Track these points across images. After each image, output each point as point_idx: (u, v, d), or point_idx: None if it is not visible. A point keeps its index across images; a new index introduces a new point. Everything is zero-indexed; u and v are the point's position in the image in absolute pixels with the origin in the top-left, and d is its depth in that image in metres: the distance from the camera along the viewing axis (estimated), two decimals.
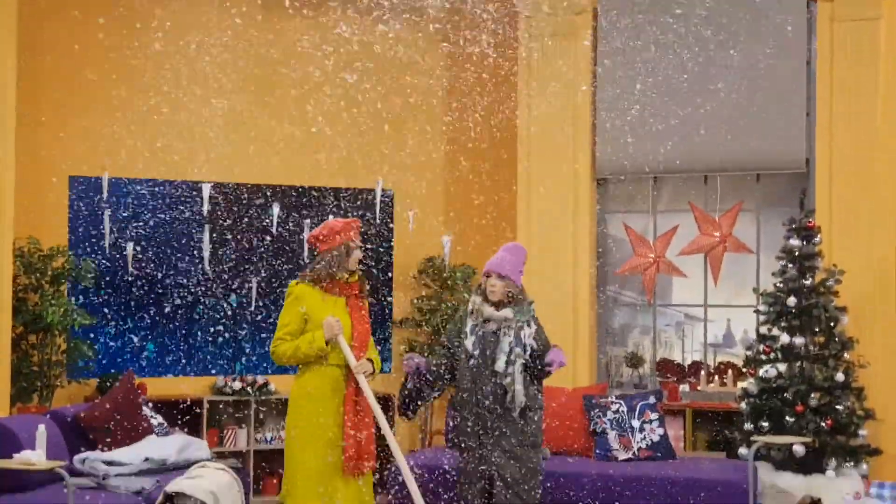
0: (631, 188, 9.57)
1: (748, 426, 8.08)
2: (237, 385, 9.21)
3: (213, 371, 9.46)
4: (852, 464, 7.90)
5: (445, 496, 7.16)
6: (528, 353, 6.22)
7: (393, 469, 7.17)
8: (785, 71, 8.87)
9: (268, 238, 9.63)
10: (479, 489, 6.20)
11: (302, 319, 5.82)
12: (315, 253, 5.97)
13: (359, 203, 9.87)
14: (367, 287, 6.13)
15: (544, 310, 9.16)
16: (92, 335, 8.99)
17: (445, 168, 10.14)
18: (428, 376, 6.28)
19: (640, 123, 9.14)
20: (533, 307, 6.41)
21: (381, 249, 9.98)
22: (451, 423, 6.44)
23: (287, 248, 9.65)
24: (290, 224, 9.67)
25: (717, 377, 9.13)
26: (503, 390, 6.18)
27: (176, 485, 5.43)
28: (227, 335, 9.51)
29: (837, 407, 7.87)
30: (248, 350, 9.55)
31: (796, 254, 8.15)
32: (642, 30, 9.06)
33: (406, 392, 6.36)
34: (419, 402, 6.40)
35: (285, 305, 5.92)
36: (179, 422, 8.66)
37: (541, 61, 9.35)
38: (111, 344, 9.18)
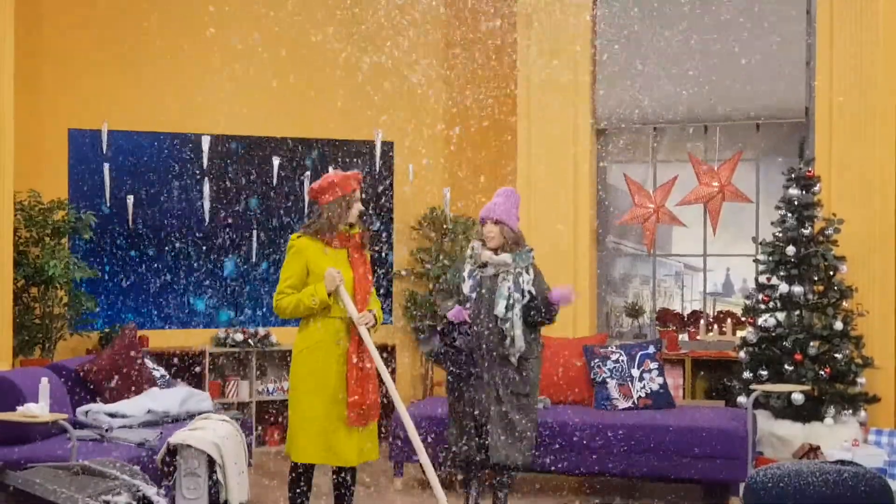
0: (630, 139, 9.54)
1: (747, 375, 8.13)
2: (239, 337, 9.23)
3: (215, 323, 9.49)
4: (850, 412, 7.95)
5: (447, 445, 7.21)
6: (527, 299, 6.24)
7: (395, 419, 7.21)
8: (785, 20, 8.82)
9: (268, 191, 9.61)
10: (470, 434, 6.24)
11: (304, 272, 5.82)
12: (316, 206, 5.97)
13: (359, 155, 9.85)
14: (369, 239, 6.12)
15: (545, 260, 9.18)
16: (93, 288, 9.01)
17: (445, 119, 10.11)
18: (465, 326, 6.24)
19: (639, 74, 9.11)
20: (532, 254, 6.41)
21: (382, 201, 9.97)
22: (446, 368, 6.44)
23: (287, 200, 9.64)
24: (291, 177, 9.65)
25: (716, 326, 9.16)
26: (501, 335, 6.21)
27: (179, 437, 5.47)
28: (228, 288, 9.53)
29: (836, 355, 7.91)
30: (249, 302, 9.57)
31: (795, 203, 8.15)
32: None
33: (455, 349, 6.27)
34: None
35: (287, 258, 5.91)
36: (182, 374, 8.71)
37: (541, 12, 9.28)
38: (112, 297, 9.20)
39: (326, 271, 5.73)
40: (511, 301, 6.22)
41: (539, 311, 6.28)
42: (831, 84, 8.67)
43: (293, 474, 5.92)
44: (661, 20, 8.99)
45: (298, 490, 5.91)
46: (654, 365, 7.89)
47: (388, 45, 9.46)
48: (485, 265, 6.30)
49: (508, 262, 6.27)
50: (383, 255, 9.94)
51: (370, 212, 9.70)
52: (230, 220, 9.51)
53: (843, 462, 6.55)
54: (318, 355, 5.78)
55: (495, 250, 6.31)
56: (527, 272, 6.31)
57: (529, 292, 6.28)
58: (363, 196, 6.07)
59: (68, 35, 9.05)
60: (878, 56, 8.59)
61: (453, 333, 6.21)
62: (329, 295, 5.73)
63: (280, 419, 9.11)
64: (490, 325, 6.20)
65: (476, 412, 6.23)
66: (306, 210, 9.40)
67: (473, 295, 6.24)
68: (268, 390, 9.42)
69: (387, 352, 9.41)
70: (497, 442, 6.19)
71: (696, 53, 9.01)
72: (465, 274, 6.33)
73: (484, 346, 6.20)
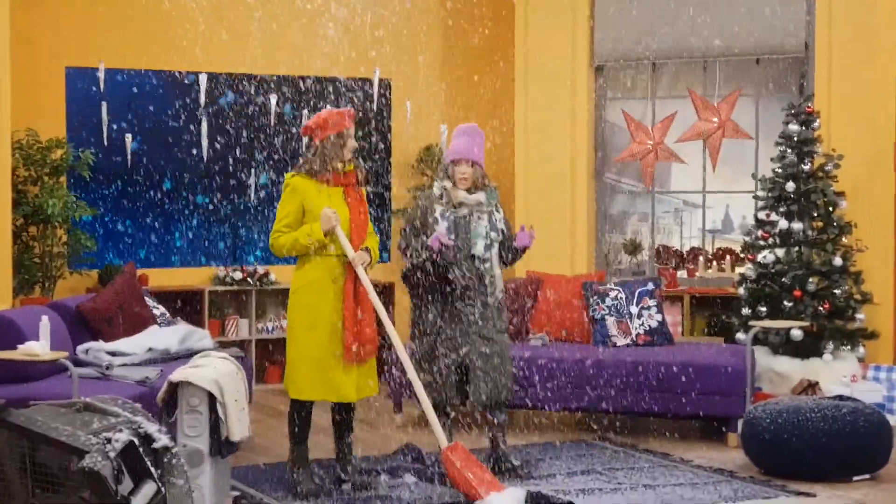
0: (629, 75, 9.46)
1: (746, 311, 8.15)
2: (238, 275, 9.22)
3: (214, 262, 9.47)
4: (849, 347, 7.99)
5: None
6: (502, 237, 6.24)
7: (393, 357, 7.21)
8: None
9: (265, 128, 9.56)
10: (451, 377, 6.23)
11: (300, 211, 5.81)
12: (310, 143, 5.93)
13: (355, 92, 9.78)
14: (364, 175, 6.09)
15: (542, 197, 9.21)
16: (92, 227, 8.98)
17: (443, 57, 10.03)
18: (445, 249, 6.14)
19: (638, 9, 9.02)
20: (497, 191, 6.40)
21: (379, 139, 9.92)
22: (416, 312, 6.40)
23: (285, 139, 9.58)
24: (288, 115, 9.60)
25: (715, 263, 9.16)
26: (479, 275, 6.19)
27: (180, 374, 5.46)
28: (226, 226, 9.50)
29: (835, 291, 7.92)
30: (247, 240, 9.55)
31: (795, 139, 8.12)
32: None
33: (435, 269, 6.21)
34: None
35: (282, 197, 5.91)
36: (181, 313, 8.71)
37: None
38: (111, 235, 9.17)
39: (322, 211, 5.72)
40: (489, 240, 6.21)
41: (510, 250, 6.30)
42: (831, 18, 8.62)
43: (292, 411, 5.98)
44: None
45: (298, 426, 5.97)
46: (652, 302, 7.89)
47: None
48: (459, 205, 6.25)
49: (482, 201, 6.24)
50: (381, 191, 9.91)
51: (368, 150, 9.67)
52: (228, 159, 9.46)
53: (841, 398, 6.64)
54: (314, 293, 5.81)
55: (467, 190, 6.27)
56: (497, 210, 6.30)
57: (502, 231, 6.28)
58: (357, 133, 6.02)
59: None
60: None
61: (437, 264, 6.17)
62: (325, 234, 5.72)
63: (279, 357, 9.13)
64: (465, 266, 6.17)
65: (455, 355, 6.21)
66: (304, 149, 9.36)
67: (452, 236, 6.18)
68: (267, 329, 9.43)
69: (385, 289, 9.41)
70: (485, 382, 6.20)
71: None
72: (438, 215, 6.25)
73: (460, 286, 6.17)
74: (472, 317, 6.20)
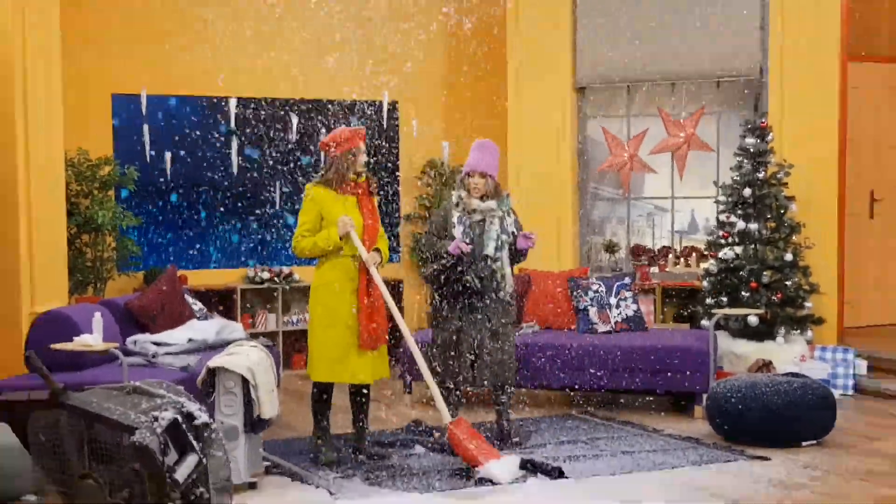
0: (607, 96, 9.48)
1: (709, 301, 8.17)
2: (266, 275, 9.26)
3: (244, 264, 9.52)
4: (799, 332, 8.00)
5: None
6: (512, 239, 6.26)
7: (404, 345, 7.24)
8: None
9: (287, 145, 9.59)
10: (464, 362, 6.26)
11: (318, 218, 5.84)
12: (327, 157, 5.97)
13: (369, 114, 9.82)
14: (375, 185, 6.12)
15: (533, 204, 9.22)
16: (137, 234, 9.03)
17: (445, 81, 10.05)
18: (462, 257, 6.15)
19: (615, 37, 9.05)
20: (510, 198, 6.42)
21: (389, 154, 9.97)
22: (436, 305, 6.43)
23: (305, 154, 9.62)
24: (307, 133, 9.63)
25: (682, 259, 9.16)
26: (491, 273, 6.21)
27: (217, 361, 5.50)
28: (255, 232, 9.54)
29: (786, 283, 7.94)
30: (274, 244, 9.59)
31: (751, 151, 8.14)
32: None
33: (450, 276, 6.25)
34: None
35: (303, 206, 5.93)
36: (216, 308, 8.74)
37: None
38: (154, 241, 9.22)
39: (339, 218, 5.75)
40: (500, 242, 6.22)
41: (514, 251, 6.30)
42: (782, 46, 8.64)
43: (314, 393, 6.01)
44: None
45: (319, 405, 6.00)
46: (628, 294, 7.92)
47: (398, 28, 9.46)
48: (473, 211, 6.28)
49: (494, 208, 6.25)
50: (391, 200, 9.94)
51: (380, 163, 9.71)
52: (255, 173, 9.50)
53: (792, 375, 6.67)
54: (332, 290, 5.83)
55: (480, 198, 6.31)
56: (508, 215, 6.31)
57: (513, 233, 6.29)
58: (367, 148, 6.07)
59: (107, 10, 8.95)
60: (822, 20, 8.55)
61: (458, 266, 6.21)
62: (341, 238, 5.76)
63: (303, 346, 9.16)
64: (480, 265, 6.22)
65: (466, 343, 6.25)
66: (322, 163, 9.39)
67: (467, 239, 6.22)
68: (292, 321, 9.45)
69: (394, 285, 9.45)
70: (493, 366, 6.23)
71: (664, 20, 8.93)
72: (455, 220, 6.28)
73: (474, 284, 6.21)
74: (484, 310, 6.23)
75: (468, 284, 6.17)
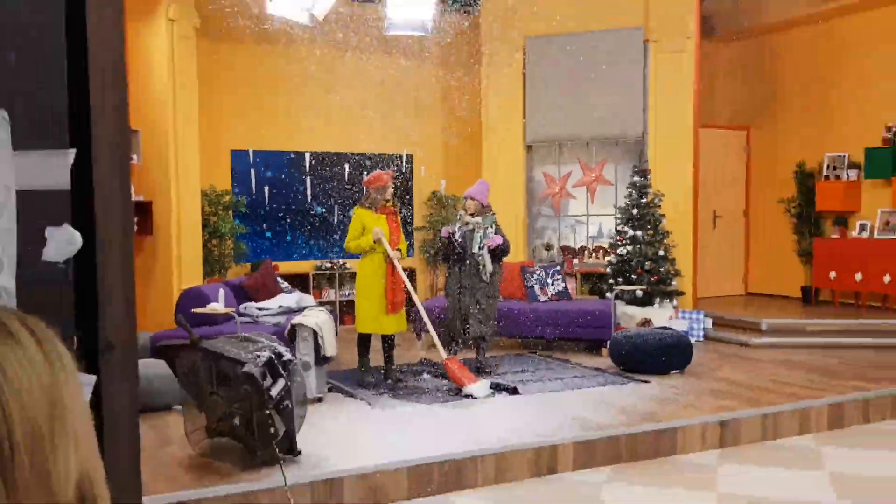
0: (545, 150, 9.47)
1: (611, 281, 8.15)
2: (328, 265, 9.24)
3: (315, 257, 9.48)
4: (668, 300, 7.99)
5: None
6: (491, 243, 6.25)
7: (415, 310, 7.23)
8: (632, 84, 8.70)
9: (342, 184, 9.56)
10: (460, 321, 6.26)
11: (361, 228, 5.82)
12: (367, 190, 5.97)
13: (391, 162, 9.80)
14: (398, 208, 6.10)
15: (500, 220, 9.10)
16: (247, 239, 9.01)
17: (442, 142, 10.04)
18: (454, 242, 6.16)
19: (550, 113, 9.03)
20: (495, 216, 6.40)
21: (407, 188, 9.93)
22: (446, 281, 6.43)
23: (353, 189, 9.60)
24: (354, 175, 9.60)
25: (594, 255, 9.16)
26: (477, 264, 6.22)
27: (297, 320, 5.50)
28: (322, 237, 9.52)
29: (660, 269, 7.92)
30: (335, 245, 9.57)
31: (637, 185, 8.12)
32: (553, 60, 8.89)
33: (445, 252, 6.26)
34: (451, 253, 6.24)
35: (352, 221, 5.91)
36: (297, 286, 8.71)
37: (496, 81, 9.20)
38: (258, 244, 9.19)
39: (374, 229, 5.75)
40: (482, 244, 6.23)
41: (491, 250, 6.28)
42: (657, 117, 8.63)
43: (359, 340, 5.99)
44: (562, 87, 8.88)
45: (362, 349, 5.99)
46: (559, 277, 7.91)
47: (407, 99, 9.39)
48: (466, 223, 6.29)
49: (479, 222, 6.25)
50: (408, 218, 9.92)
51: (401, 194, 9.68)
52: (322, 201, 9.48)
53: (664, 328, 6.67)
54: (369, 274, 5.81)
55: (472, 214, 6.30)
56: (490, 227, 6.30)
57: (492, 238, 6.28)
58: (394, 184, 6.04)
59: (228, 90, 8.88)
60: (680, 100, 8.54)
61: (450, 244, 6.23)
62: (375, 242, 5.75)
63: (351, 311, 9.16)
64: (469, 258, 6.21)
65: (460, 306, 6.25)
66: (363, 192, 9.34)
67: (463, 242, 6.21)
68: (344, 294, 9.42)
69: (410, 272, 9.42)
70: (475, 323, 6.23)
71: (581, 98, 8.90)
72: (456, 230, 6.29)
73: (467, 270, 6.20)
74: (473, 286, 6.20)
75: (456, 248, 6.15)
